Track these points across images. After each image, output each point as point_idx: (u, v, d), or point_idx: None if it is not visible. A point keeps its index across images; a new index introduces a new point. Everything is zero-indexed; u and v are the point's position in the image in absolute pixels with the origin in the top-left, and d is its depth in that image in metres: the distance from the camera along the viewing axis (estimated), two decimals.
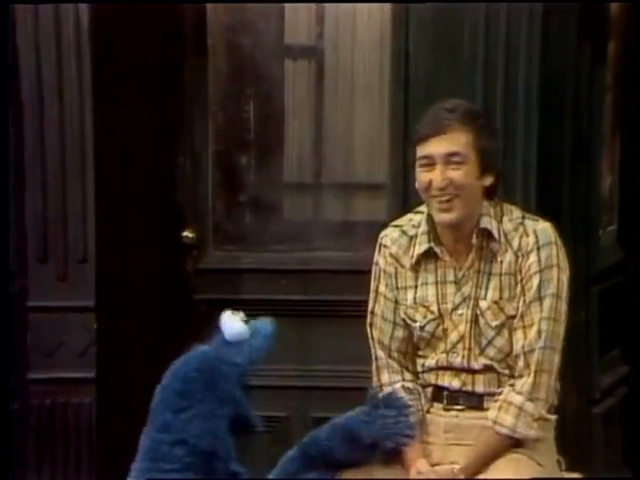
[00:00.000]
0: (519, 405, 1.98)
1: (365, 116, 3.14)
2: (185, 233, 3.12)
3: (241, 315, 1.89)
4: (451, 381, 2.06)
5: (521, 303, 2.00)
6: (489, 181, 2.02)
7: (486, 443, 1.99)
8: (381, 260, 2.13)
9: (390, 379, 2.12)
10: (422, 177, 2.01)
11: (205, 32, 3.12)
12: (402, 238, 2.11)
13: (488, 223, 2.03)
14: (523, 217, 2.06)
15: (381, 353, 2.13)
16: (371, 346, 2.16)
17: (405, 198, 2.73)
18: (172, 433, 1.79)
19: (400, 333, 2.11)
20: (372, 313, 2.14)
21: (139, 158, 2.96)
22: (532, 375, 1.99)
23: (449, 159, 1.98)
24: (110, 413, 2.89)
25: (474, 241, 2.02)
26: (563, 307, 2.04)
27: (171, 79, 3.08)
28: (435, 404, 2.09)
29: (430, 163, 1.99)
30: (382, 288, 2.13)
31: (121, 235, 2.92)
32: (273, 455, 3.05)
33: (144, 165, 2.98)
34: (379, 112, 3.11)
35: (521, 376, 2.00)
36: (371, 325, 2.15)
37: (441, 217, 2.02)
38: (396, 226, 2.15)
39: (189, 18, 3.09)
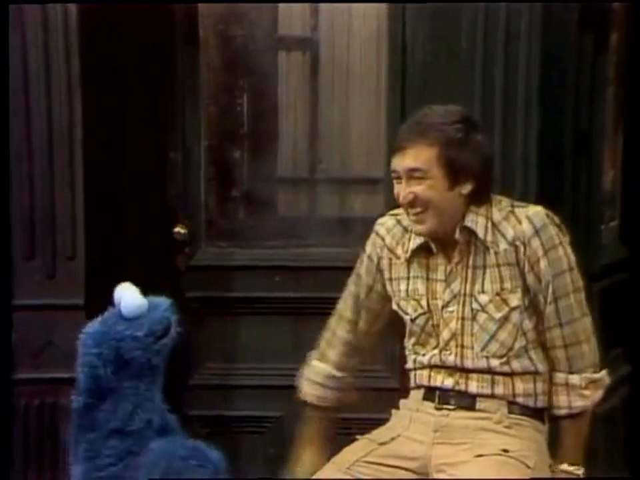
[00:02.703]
0: (564, 382, 2.03)
1: (360, 109, 3.13)
2: (177, 229, 3.10)
3: (134, 288, 1.81)
4: (443, 380, 2.05)
5: (536, 289, 2.02)
6: (467, 188, 2.00)
7: (564, 432, 2.05)
8: (370, 246, 2.15)
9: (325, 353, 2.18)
10: (394, 189, 2.04)
11: (196, 23, 3.09)
12: (396, 227, 2.12)
13: (471, 220, 2.02)
14: (512, 206, 2.06)
15: (335, 325, 2.21)
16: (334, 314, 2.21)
17: None
18: (99, 428, 1.73)
19: (368, 318, 2.16)
20: (348, 292, 2.20)
21: (129, 152, 2.93)
22: (567, 350, 2.03)
23: (411, 174, 1.98)
24: None
25: (457, 236, 2.02)
26: (577, 276, 2.07)
27: (161, 71, 3.04)
28: (426, 403, 2.07)
29: (397, 176, 2.01)
30: (362, 271, 2.17)
31: (110, 231, 2.89)
32: (268, 455, 3.03)
33: (134, 159, 2.95)
34: (375, 105, 3.09)
35: (560, 356, 2.05)
36: (342, 301, 2.20)
37: (415, 228, 2.05)
38: (392, 214, 2.16)
39: (179, 8, 3.06)
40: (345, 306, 2.21)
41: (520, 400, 2.04)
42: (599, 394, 2.07)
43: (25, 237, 2.83)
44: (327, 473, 2.04)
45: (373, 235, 2.15)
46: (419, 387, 2.10)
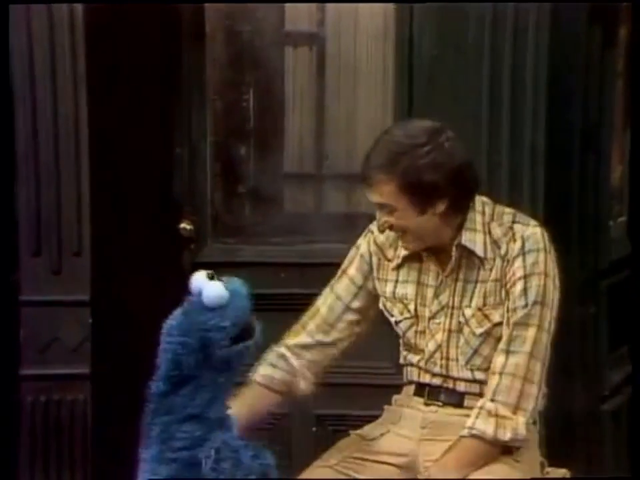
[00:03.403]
0: (481, 405, 1.94)
1: (367, 104, 3.11)
2: (183, 225, 3.09)
3: (211, 274, 1.81)
4: (431, 379, 2.04)
5: (505, 309, 1.95)
6: (440, 207, 1.93)
7: (456, 445, 1.94)
8: (363, 245, 2.10)
9: (295, 333, 2.11)
10: None
11: (202, 18, 3.08)
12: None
13: (469, 239, 1.96)
14: (514, 222, 1.99)
15: (308, 321, 2.12)
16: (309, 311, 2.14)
17: None
18: (176, 412, 1.75)
19: (349, 316, 2.09)
20: (330, 288, 2.13)
21: (135, 148, 2.92)
22: (500, 378, 1.92)
23: (381, 207, 1.96)
24: (105, 410, 2.86)
25: (453, 254, 1.98)
26: (548, 314, 1.95)
27: (167, 67, 3.04)
28: (416, 398, 2.06)
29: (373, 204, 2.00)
30: (351, 270, 2.11)
31: (116, 227, 2.89)
32: (274, 452, 3.01)
33: (140, 155, 2.94)
34: (382, 100, 3.08)
35: (491, 381, 1.95)
36: (322, 300, 2.12)
37: (402, 246, 2.02)
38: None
39: (185, 4, 3.05)
40: (324, 304, 2.12)
41: None
42: (505, 434, 1.89)
43: (30, 233, 2.83)
44: (316, 471, 2.02)
45: (366, 232, 2.11)
46: (410, 382, 2.08)
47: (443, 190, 1.91)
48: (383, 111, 3.07)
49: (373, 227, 2.08)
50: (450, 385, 2.01)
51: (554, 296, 1.96)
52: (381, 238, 2.06)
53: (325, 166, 3.15)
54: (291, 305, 2.97)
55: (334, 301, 2.11)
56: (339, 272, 2.14)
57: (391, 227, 1.97)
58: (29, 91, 2.80)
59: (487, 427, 1.90)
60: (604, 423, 2.92)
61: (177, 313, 1.83)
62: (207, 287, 1.79)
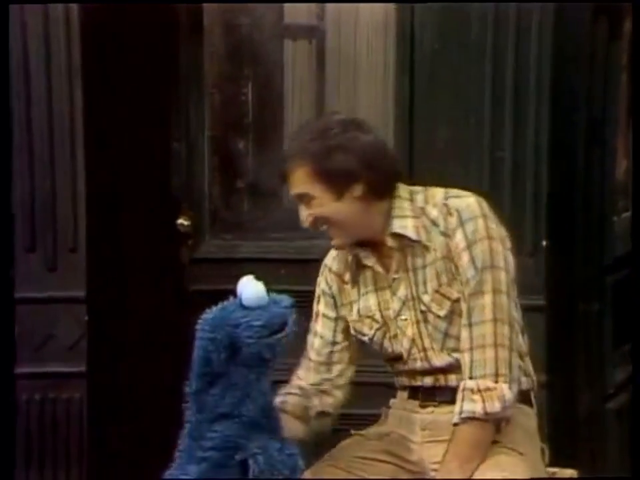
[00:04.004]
0: (462, 387, 1.91)
1: (367, 99, 3.09)
2: (180, 221, 3.08)
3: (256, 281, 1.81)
4: (423, 380, 2.02)
5: (460, 284, 1.94)
6: (358, 190, 1.92)
7: (454, 438, 1.91)
8: (322, 280, 2.12)
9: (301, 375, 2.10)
10: None
11: (200, 11, 3.07)
12: (340, 253, 2.07)
13: (400, 225, 1.95)
14: (447, 197, 1.97)
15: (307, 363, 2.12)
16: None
17: (410, 183, 2.63)
18: (207, 411, 1.73)
19: (338, 347, 2.09)
20: (313, 332, 2.13)
21: (132, 143, 2.91)
22: (471, 353, 1.90)
23: (300, 199, 1.95)
24: (101, 409, 2.84)
25: (390, 244, 1.97)
26: (502, 276, 1.91)
27: (164, 60, 3.02)
28: (411, 401, 2.04)
29: (295, 201, 1.98)
30: (322, 308, 2.12)
31: (112, 222, 2.88)
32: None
33: (137, 149, 2.93)
34: (383, 95, 3.06)
35: (464, 360, 1.93)
36: (310, 344, 2.12)
37: (333, 244, 2.01)
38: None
39: (184, 3, 3.05)
40: (311, 349, 2.11)
41: None
42: (493, 405, 1.86)
43: (25, 228, 2.80)
44: (326, 470, 1.99)
45: (322, 269, 2.12)
46: (403, 388, 2.07)
47: (356, 172, 1.90)
48: (384, 105, 3.06)
49: (327, 261, 2.09)
50: (442, 380, 1.99)
51: (505, 257, 1.93)
52: (335, 266, 2.07)
53: None
54: None
55: (319, 342, 2.10)
56: (313, 315, 2.13)
57: (314, 222, 1.95)
58: (23, 85, 2.77)
59: (474, 405, 1.87)
60: (608, 422, 2.91)
61: (214, 308, 1.82)
62: (248, 285, 1.80)
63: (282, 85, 3.12)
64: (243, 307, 1.77)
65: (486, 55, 2.70)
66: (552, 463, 2.06)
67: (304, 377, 2.09)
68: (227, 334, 1.73)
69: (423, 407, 2.01)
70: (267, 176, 3.13)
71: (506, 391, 1.87)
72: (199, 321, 1.80)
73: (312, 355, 2.10)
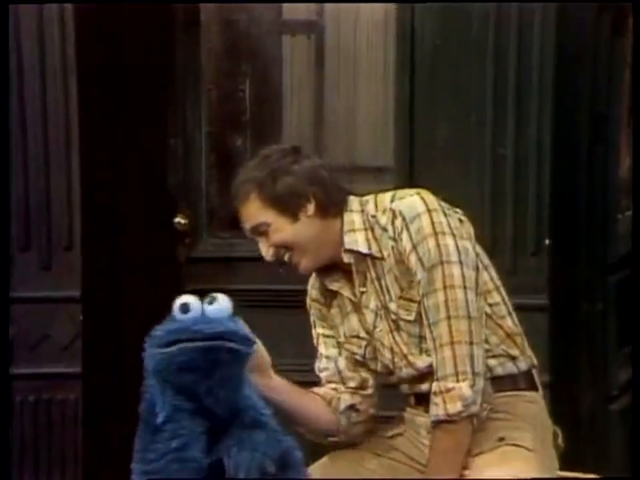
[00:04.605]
0: (430, 390, 1.91)
1: (367, 95, 3.09)
2: (177, 219, 3.07)
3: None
4: (420, 387, 2.00)
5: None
6: (310, 209, 1.93)
7: (431, 447, 1.91)
8: (310, 307, 2.13)
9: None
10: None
11: (197, 6, 3.05)
12: (314, 280, 2.08)
13: (350, 240, 1.95)
14: (392, 200, 1.95)
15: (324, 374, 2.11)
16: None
17: (411, 181, 2.66)
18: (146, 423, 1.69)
19: (343, 363, 2.07)
20: (319, 356, 2.11)
21: (127, 139, 2.91)
22: (435, 352, 1.89)
23: (257, 231, 1.96)
24: (97, 410, 2.84)
25: (347, 260, 1.96)
26: (455, 269, 1.87)
27: (161, 56, 3.01)
28: (417, 407, 2.02)
29: (253, 237, 1.99)
30: (319, 330, 2.11)
31: (108, 221, 2.87)
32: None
33: (133, 146, 2.92)
34: (383, 91, 3.05)
35: (433, 362, 1.91)
36: (318, 368, 2.10)
37: (300, 270, 2.00)
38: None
39: (183, 3, 3.05)
40: (324, 370, 2.08)
41: (499, 372, 1.96)
42: (455, 406, 1.84)
43: (19, 227, 2.79)
44: (339, 464, 2.00)
45: (307, 300, 2.12)
46: (408, 395, 2.05)
47: (303, 190, 1.92)
48: (384, 102, 3.05)
49: (309, 286, 2.10)
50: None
51: (459, 249, 1.89)
52: (314, 294, 2.08)
53: (324, 158, 3.08)
54: (289, 301, 2.96)
55: (326, 363, 2.08)
56: (314, 339, 2.12)
57: (276, 253, 1.94)
58: (17, 81, 2.75)
59: (437, 409, 1.87)
60: (612, 423, 2.89)
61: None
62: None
63: (280, 82, 3.11)
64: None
65: (487, 52, 2.68)
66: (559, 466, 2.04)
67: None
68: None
69: (427, 411, 1.97)
70: None
71: (465, 389, 1.85)
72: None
73: (325, 376, 2.07)
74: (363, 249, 1.93)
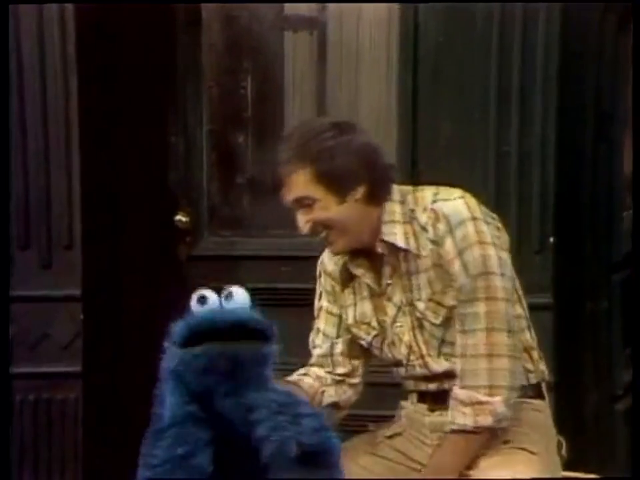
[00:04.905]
0: (453, 394, 1.89)
1: (370, 92, 3.05)
2: (178, 217, 3.06)
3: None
4: (427, 386, 1.99)
5: (454, 292, 1.91)
6: (359, 192, 1.89)
7: (442, 447, 1.91)
8: (320, 277, 2.09)
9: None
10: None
11: (198, 2, 3.04)
12: (337, 256, 2.03)
13: (389, 232, 1.92)
14: (435, 201, 1.92)
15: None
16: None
17: (414, 180, 2.63)
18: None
19: (339, 347, 2.05)
20: (315, 330, 2.10)
21: (128, 137, 2.90)
22: (465, 362, 1.88)
23: (299, 203, 1.90)
24: (97, 410, 2.83)
25: (381, 250, 1.93)
26: (497, 281, 1.87)
27: (162, 53, 3.00)
28: (420, 405, 2.02)
29: (292, 207, 1.93)
30: (324, 303, 2.08)
31: (108, 219, 2.87)
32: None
33: (133, 144, 2.91)
34: (386, 88, 3.02)
35: (458, 366, 1.91)
36: (312, 342, 2.10)
37: (331, 249, 1.97)
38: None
39: (184, 3, 3.04)
40: (318, 347, 2.07)
41: None
42: (485, 419, 1.84)
43: (19, 225, 2.78)
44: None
45: (319, 264, 2.09)
46: (410, 391, 2.04)
47: (358, 173, 1.87)
48: (387, 99, 3.02)
49: (324, 258, 2.06)
50: (445, 385, 1.96)
51: (500, 260, 1.89)
52: (330, 268, 2.04)
53: None
54: (292, 299, 2.97)
55: (322, 339, 2.07)
56: (315, 312, 2.10)
57: (314, 228, 1.91)
58: (17, 78, 2.74)
59: (465, 418, 1.85)
60: (617, 423, 2.88)
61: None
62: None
63: (282, 78, 3.10)
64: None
65: (491, 49, 2.66)
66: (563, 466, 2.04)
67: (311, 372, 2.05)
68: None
69: (431, 410, 1.98)
70: (266, 171, 3.01)
71: (499, 405, 1.84)
72: None
73: (316, 354, 2.06)
74: (401, 243, 1.90)
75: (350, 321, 2.02)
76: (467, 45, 2.69)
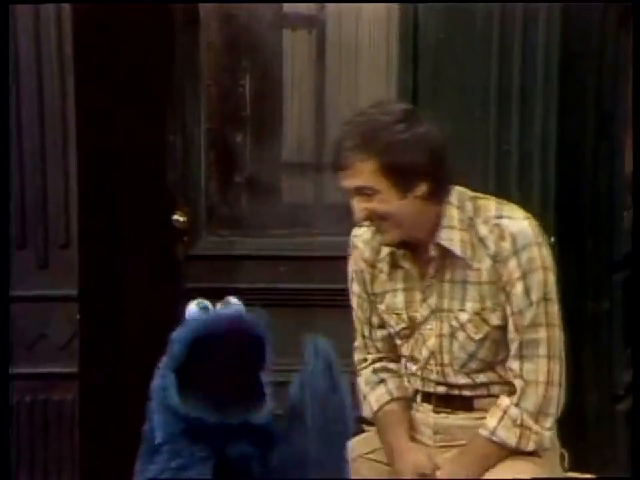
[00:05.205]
0: (504, 408, 1.90)
1: (369, 90, 3.05)
2: (176, 217, 3.05)
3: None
4: (435, 388, 1.99)
5: (508, 312, 1.90)
6: (421, 189, 1.87)
7: (472, 447, 1.92)
8: (352, 261, 2.07)
9: (367, 357, 2.08)
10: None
11: (196, 2, 3.04)
12: (375, 239, 2.01)
13: (447, 238, 1.90)
14: (499, 216, 1.91)
15: (360, 341, 2.11)
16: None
17: None
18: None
19: (377, 333, 2.06)
20: (354, 311, 2.11)
21: (125, 136, 2.88)
22: (525, 384, 1.90)
23: (359, 192, 1.88)
24: (94, 411, 2.82)
25: (432, 254, 1.92)
26: (555, 308, 1.92)
27: (159, 51, 2.99)
28: (424, 405, 2.01)
29: (348, 192, 1.91)
30: (355, 288, 2.07)
31: (106, 218, 2.86)
32: None
33: (131, 143, 2.90)
34: (386, 86, 3.03)
35: (516, 385, 1.92)
36: (355, 319, 2.11)
37: (380, 239, 1.95)
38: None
39: (182, 3, 3.03)
40: (360, 328, 2.08)
41: None
42: (528, 445, 1.88)
43: (15, 225, 2.76)
44: None
45: (352, 249, 2.07)
46: (415, 390, 2.04)
47: (423, 170, 1.86)
48: (386, 97, 2.96)
49: (355, 240, 2.04)
50: (455, 391, 1.96)
51: (556, 288, 1.92)
52: (367, 252, 2.02)
53: (326, 154, 3.07)
54: (291, 299, 2.98)
55: (361, 326, 2.08)
56: (350, 293, 2.11)
57: (369, 217, 1.89)
58: (13, 76, 2.71)
59: (509, 436, 1.88)
60: (618, 424, 2.86)
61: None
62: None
63: (281, 77, 3.09)
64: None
65: (492, 47, 2.64)
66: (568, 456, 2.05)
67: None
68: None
69: (436, 412, 1.98)
70: (265, 170, 3.12)
71: (546, 438, 1.89)
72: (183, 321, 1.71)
73: (369, 342, 2.06)
74: (458, 252, 1.89)
75: (382, 307, 2.00)
76: (467, 43, 2.67)
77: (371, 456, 2.00)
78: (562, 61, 2.63)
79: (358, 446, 2.00)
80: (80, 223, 2.75)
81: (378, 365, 2.05)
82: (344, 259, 2.93)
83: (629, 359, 2.92)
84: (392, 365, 2.04)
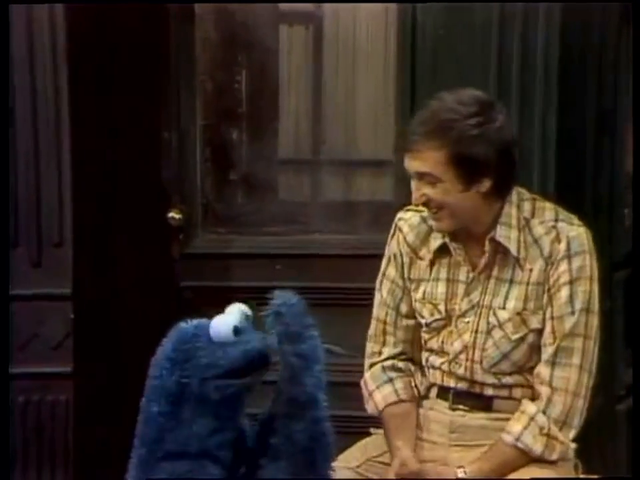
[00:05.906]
0: (531, 414, 1.90)
1: (367, 87, 3.05)
2: (171, 215, 3.04)
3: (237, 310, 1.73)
4: (456, 384, 1.99)
5: (548, 315, 1.91)
6: (485, 186, 1.88)
7: (494, 451, 1.92)
8: (394, 244, 2.05)
9: (382, 350, 2.07)
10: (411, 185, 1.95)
11: (193, 2, 3.03)
12: (421, 226, 2.01)
13: (504, 235, 1.91)
14: (556, 220, 1.94)
15: (379, 327, 2.08)
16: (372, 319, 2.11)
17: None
18: (153, 444, 1.65)
19: (403, 322, 2.05)
20: (381, 295, 2.08)
21: (120, 133, 2.88)
22: (552, 391, 1.91)
23: (422, 177, 1.89)
24: (88, 411, 2.82)
25: (486, 248, 1.93)
26: (595, 321, 1.94)
27: (154, 47, 2.97)
28: (439, 401, 2.01)
29: (410, 174, 1.92)
30: (390, 271, 2.05)
31: (100, 216, 2.85)
32: None
33: (125, 140, 2.89)
34: (383, 82, 3.02)
35: (542, 392, 1.93)
36: (378, 305, 2.09)
37: (434, 225, 1.96)
38: (417, 210, 2.02)
39: (180, 3, 3.02)
40: (380, 316, 2.07)
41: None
42: (551, 454, 1.90)
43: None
44: (339, 472, 1.94)
45: (395, 231, 2.05)
46: (432, 384, 2.03)
47: (491, 166, 1.86)
48: (384, 93, 3.02)
49: (401, 223, 2.03)
50: (476, 389, 1.96)
51: (598, 301, 1.94)
52: (411, 236, 2.01)
53: (322, 151, 3.11)
54: None
55: (386, 311, 2.06)
56: (380, 275, 2.07)
57: (427, 202, 1.89)
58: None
59: (535, 444, 1.89)
60: (619, 424, 2.84)
61: (189, 323, 1.77)
62: (216, 320, 1.75)
63: (277, 73, 3.08)
64: (210, 340, 1.69)
65: (491, 43, 2.63)
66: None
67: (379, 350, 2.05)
68: (183, 360, 1.67)
69: (452, 409, 1.97)
70: (261, 167, 3.11)
71: (571, 450, 1.91)
72: (171, 331, 1.73)
73: (385, 319, 2.05)
74: (513, 250, 1.90)
75: (418, 295, 1.99)
76: (466, 38, 2.65)
77: (380, 459, 2.00)
78: (561, 58, 2.61)
79: (367, 449, 2.01)
80: (74, 221, 2.75)
81: (388, 362, 2.04)
82: (340, 256, 2.95)
83: (629, 359, 2.91)
84: (401, 365, 2.03)
